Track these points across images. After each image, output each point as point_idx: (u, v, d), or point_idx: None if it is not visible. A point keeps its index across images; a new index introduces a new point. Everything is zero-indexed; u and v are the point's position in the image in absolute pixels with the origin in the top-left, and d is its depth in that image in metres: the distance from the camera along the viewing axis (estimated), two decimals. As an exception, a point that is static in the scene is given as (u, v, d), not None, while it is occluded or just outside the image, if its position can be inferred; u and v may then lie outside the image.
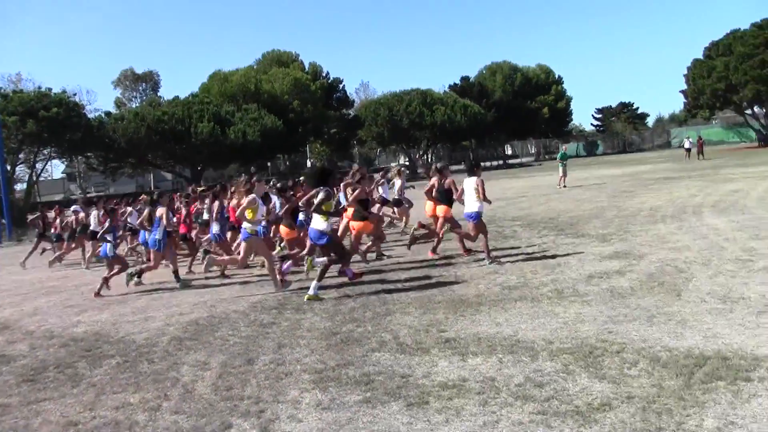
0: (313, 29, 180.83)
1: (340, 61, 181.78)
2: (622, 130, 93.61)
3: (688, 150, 48.72)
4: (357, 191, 12.12)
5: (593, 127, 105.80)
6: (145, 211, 12.85)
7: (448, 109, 61.73)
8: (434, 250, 12.76)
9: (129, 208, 17.41)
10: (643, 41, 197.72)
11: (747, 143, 67.74)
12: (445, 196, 12.45)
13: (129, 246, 18.08)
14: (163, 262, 12.62)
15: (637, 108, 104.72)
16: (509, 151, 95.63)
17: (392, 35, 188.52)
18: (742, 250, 10.39)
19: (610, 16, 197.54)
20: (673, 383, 5.08)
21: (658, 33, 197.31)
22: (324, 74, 55.59)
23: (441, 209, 12.45)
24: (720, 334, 6.25)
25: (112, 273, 12.41)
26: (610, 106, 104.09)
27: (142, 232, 13.58)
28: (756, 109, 64.84)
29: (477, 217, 11.44)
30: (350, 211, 12.32)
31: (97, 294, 12.01)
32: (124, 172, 60.01)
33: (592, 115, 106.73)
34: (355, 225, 12.18)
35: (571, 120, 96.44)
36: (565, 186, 28.21)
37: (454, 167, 22.31)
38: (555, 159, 36.93)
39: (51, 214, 20.50)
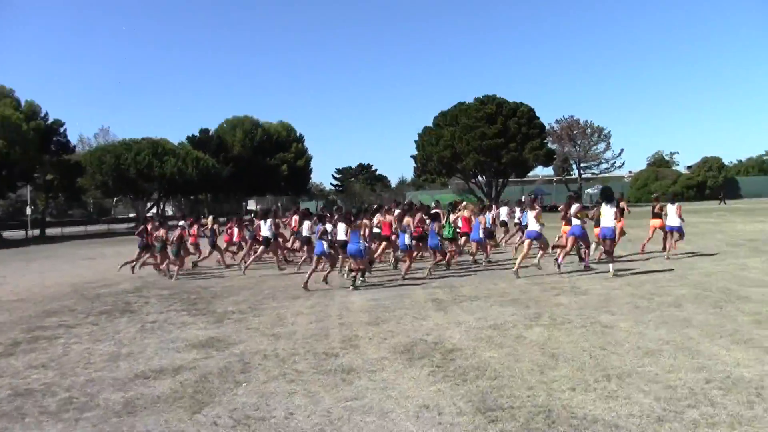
0: (44, 68, 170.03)
1: (79, 105, 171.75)
2: (360, 190, 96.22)
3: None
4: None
5: (333, 187, 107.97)
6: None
7: (179, 160, 59.09)
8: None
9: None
10: (382, 106, 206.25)
11: (472, 208, 71.59)
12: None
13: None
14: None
15: (376, 170, 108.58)
16: (253, 207, 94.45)
17: (138, 81, 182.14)
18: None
19: (349, 77, 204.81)
20: None
21: (396, 99, 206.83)
22: (42, 115, 51.14)
23: None
24: None
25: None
26: (350, 166, 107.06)
27: None
28: (479, 177, 69.08)
29: None
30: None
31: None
32: None
33: (332, 175, 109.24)
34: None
35: (311, 178, 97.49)
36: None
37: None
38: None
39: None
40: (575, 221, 15.55)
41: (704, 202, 67.02)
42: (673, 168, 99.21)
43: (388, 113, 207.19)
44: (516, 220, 23.50)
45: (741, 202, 67.75)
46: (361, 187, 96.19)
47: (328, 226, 15.75)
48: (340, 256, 16.34)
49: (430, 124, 69.26)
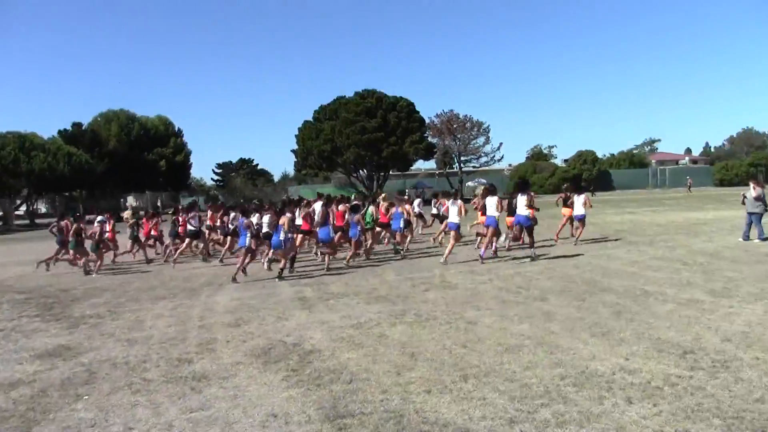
0: None
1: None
2: (241, 185, 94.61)
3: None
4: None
5: (214, 182, 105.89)
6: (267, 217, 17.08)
7: (49, 156, 56.38)
8: None
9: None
10: (263, 100, 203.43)
11: (355, 202, 71.59)
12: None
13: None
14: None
15: (257, 164, 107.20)
16: (134, 203, 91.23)
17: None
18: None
19: (230, 70, 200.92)
20: None
21: (277, 93, 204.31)
22: None
23: None
24: None
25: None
26: (231, 161, 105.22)
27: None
28: (361, 171, 69.22)
29: None
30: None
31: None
32: None
33: (213, 170, 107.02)
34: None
35: (191, 174, 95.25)
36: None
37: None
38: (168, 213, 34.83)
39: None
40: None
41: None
42: (551, 161, 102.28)
43: (269, 107, 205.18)
44: (434, 211, 24.33)
45: (613, 194, 70.32)
46: (242, 182, 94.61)
47: (254, 219, 16.85)
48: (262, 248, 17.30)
49: (311, 119, 68.72)
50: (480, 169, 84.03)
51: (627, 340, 7.78)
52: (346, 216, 17.97)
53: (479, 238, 18.86)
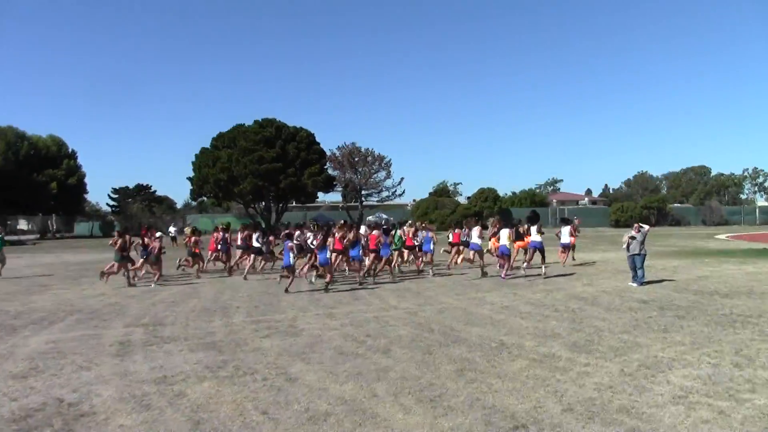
0: None
1: None
2: (138, 212, 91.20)
3: (174, 237, 47.94)
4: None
5: (110, 207, 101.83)
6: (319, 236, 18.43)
7: None
8: None
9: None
10: (164, 125, 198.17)
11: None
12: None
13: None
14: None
15: (155, 191, 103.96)
16: (24, 226, 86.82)
17: None
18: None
19: (126, 89, 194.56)
20: None
21: (179, 119, 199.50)
22: None
23: None
24: None
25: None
26: (128, 187, 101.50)
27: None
28: (261, 203, 67.58)
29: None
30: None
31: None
32: None
33: (109, 195, 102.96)
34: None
35: (86, 197, 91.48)
36: (-1, 275, 23.30)
37: None
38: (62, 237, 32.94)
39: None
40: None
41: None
42: (456, 198, 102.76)
43: (168, 133, 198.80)
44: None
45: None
46: (138, 208, 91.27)
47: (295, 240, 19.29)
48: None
49: (208, 146, 66.66)
50: (382, 204, 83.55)
51: (456, 408, 6.70)
52: (379, 238, 20.34)
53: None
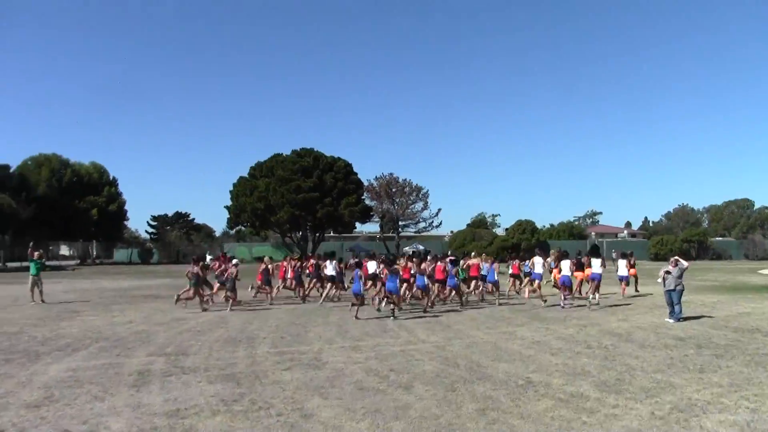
0: None
1: None
2: (176, 240, 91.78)
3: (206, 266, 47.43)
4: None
5: (148, 235, 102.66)
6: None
7: (-33, 197, 53.69)
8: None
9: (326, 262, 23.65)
10: (204, 154, 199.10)
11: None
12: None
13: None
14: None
15: (193, 219, 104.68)
16: (66, 252, 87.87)
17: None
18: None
19: (167, 122, 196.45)
20: None
21: (218, 148, 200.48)
22: None
23: None
24: None
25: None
26: (167, 214, 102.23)
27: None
28: (298, 232, 67.63)
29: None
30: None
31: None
32: None
33: (148, 222, 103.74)
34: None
35: (125, 224, 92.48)
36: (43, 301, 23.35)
37: None
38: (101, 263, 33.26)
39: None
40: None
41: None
42: (494, 230, 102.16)
43: (208, 162, 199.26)
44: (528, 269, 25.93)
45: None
46: (176, 236, 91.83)
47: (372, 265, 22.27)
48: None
49: (246, 175, 67.09)
50: (419, 234, 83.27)
51: (473, 450, 6.38)
52: (446, 268, 21.60)
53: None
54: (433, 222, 78.51)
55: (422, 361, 11.43)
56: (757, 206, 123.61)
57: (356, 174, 66.79)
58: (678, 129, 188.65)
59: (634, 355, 12.04)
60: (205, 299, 21.19)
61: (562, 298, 21.38)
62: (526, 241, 77.49)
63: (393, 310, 18.40)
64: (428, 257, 23.44)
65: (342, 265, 24.59)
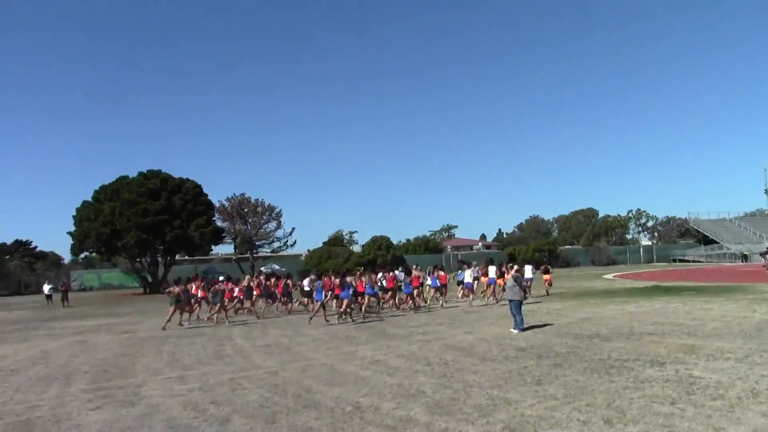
0: None
1: None
2: (16, 269, 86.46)
3: (49, 296, 45.03)
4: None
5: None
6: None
7: None
8: None
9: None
10: (45, 178, 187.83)
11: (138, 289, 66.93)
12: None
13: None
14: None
15: (35, 246, 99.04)
16: None
17: None
18: None
19: (14, 143, 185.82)
20: None
21: (61, 171, 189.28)
22: None
23: None
24: None
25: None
26: (5, 243, 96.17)
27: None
28: (146, 257, 65.02)
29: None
30: None
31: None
32: None
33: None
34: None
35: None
36: None
37: None
38: None
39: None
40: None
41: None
42: (351, 247, 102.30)
43: (49, 186, 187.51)
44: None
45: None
46: (16, 266, 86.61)
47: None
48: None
49: (90, 198, 63.93)
50: (275, 254, 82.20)
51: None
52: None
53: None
54: (287, 241, 77.67)
55: (249, 390, 10.65)
56: (601, 215, 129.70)
57: (206, 195, 65.02)
58: (527, 144, 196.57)
59: (473, 370, 11.69)
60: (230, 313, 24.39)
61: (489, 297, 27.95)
62: (381, 256, 77.84)
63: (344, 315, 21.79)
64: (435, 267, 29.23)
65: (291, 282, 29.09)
